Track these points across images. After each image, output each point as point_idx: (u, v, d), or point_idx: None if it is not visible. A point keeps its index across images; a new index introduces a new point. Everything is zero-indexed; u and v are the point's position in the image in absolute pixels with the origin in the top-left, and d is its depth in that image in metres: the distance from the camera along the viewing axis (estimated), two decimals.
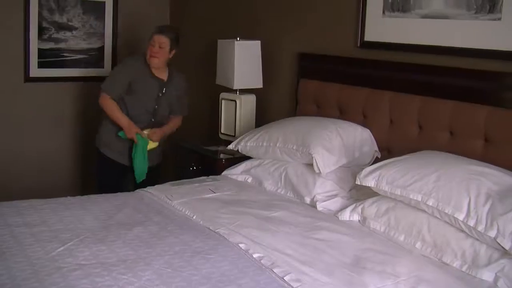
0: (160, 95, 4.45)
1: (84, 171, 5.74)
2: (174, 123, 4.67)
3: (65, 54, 5.55)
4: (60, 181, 5.61)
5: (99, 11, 5.66)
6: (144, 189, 3.79)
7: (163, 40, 4.32)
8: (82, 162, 5.77)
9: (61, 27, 5.50)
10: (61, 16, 5.49)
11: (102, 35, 5.70)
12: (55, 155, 5.61)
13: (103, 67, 5.71)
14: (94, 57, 5.69)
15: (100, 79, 5.57)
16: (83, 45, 5.62)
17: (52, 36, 5.47)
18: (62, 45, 5.52)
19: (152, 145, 4.47)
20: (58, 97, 5.56)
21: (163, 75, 4.48)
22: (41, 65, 5.43)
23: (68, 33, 5.53)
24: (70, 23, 5.54)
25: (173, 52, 4.41)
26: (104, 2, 5.68)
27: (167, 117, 4.59)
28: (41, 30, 5.40)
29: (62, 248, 2.70)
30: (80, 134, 5.73)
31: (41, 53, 5.42)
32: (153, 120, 4.48)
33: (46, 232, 2.90)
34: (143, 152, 4.39)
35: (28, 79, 5.39)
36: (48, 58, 5.46)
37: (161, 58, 4.35)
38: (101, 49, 5.71)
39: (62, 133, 5.65)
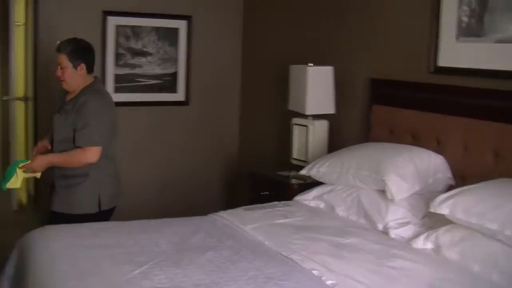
0: (56, 115, 3.84)
1: (161, 195, 5.84)
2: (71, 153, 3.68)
3: (140, 79, 5.68)
4: (139, 204, 5.71)
5: (173, 37, 5.79)
6: (217, 213, 3.83)
7: (61, 59, 3.71)
8: (158, 186, 5.87)
9: (136, 53, 5.65)
10: (137, 42, 5.65)
11: (175, 61, 5.82)
12: (132, 178, 5.73)
13: (176, 92, 5.83)
14: (168, 82, 5.81)
15: (173, 103, 5.76)
16: (157, 70, 5.75)
17: (128, 62, 5.62)
18: (137, 71, 5.67)
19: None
20: (133, 121, 5.69)
21: (70, 96, 3.80)
22: (117, 90, 5.58)
23: (143, 59, 5.68)
24: (145, 49, 5.68)
25: (80, 65, 3.70)
26: (178, 28, 5.80)
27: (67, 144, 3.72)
28: (117, 56, 5.56)
29: (138, 271, 2.76)
30: (156, 157, 5.82)
31: (117, 78, 5.58)
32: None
33: (123, 255, 2.97)
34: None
35: None
36: (123, 83, 5.61)
37: (67, 80, 3.71)
38: (175, 74, 5.83)
39: (140, 156, 5.76)
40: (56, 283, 2.65)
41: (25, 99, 6.15)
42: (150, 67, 5.72)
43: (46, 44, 5.35)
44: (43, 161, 3.62)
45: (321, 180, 4.16)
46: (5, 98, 6.50)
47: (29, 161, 3.70)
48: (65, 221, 3.53)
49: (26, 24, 6.16)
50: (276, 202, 4.10)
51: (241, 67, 6.12)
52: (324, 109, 4.73)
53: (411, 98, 4.20)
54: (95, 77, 3.86)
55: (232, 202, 6.00)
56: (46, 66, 5.34)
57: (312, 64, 4.65)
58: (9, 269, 3.43)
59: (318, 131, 4.74)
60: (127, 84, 5.63)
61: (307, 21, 5.21)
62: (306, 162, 4.61)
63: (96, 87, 3.75)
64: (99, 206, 3.65)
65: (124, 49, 5.60)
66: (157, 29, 5.72)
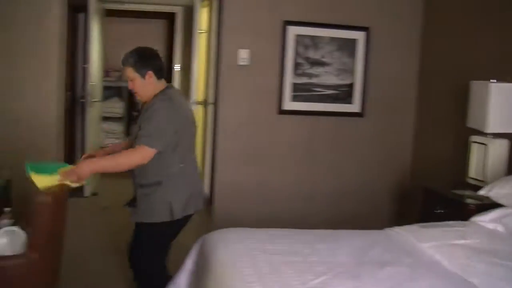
0: (134, 126, 3.73)
1: (331, 203, 5.89)
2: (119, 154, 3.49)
3: (316, 89, 5.75)
4: (310, 211, 5.80)
5: (350, 48, 5.80)
6: (392, 228, 3.79)
7: (128, 71, 3.55)
8: (328, 194, 5.91)
9: (314, 62, 5.72)
10: (315, 52, 5.72)
11: (352, 72, 5.83)
12: (303, 185, 5.81)
13: (351, 103, 5.84)
14: (344, 93, 5.82)
15: (348, 114, 5.76)
16: (334, 81, 5.78)
17: (306, 71, 5.71)
18: (314, 80, 5.73)
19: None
20: (307, 130, 5.77)
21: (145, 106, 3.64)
22: (294, 98, 5.69)
23: (321, 69, 5.74)
24: (323, 59, 5.74)
25: (148, 73, 3.53)
26: (356, 39, 5.81)
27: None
28: (295, 65, 5.67)
29: (317, 281, 2.78)
30: (329, 167, 5.88)
31: (295, 87, 5.69)
32: None
33: (302, 263, 3.01)
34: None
35: (281, 111, 5.67)
36: (300, 92, 5.71)
37: (139, 91, 3.57)
38: (351, 85, 5.84)
39: (312, 164, 5.83)
40: (239, 285, 2.75)
41: (204, 103, 6.40)
42: (327, 77, 5.76)
43: (226, 52, 5.56)
44: (88, 166, 3.32)
45: (500, 202, 3.99)
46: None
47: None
48: (144, 231, 3.56)
49: (208, 31, 6.43)
50: (452, 222, 3.98)
51: (418, 80, 6.02)
52: (506, 128, 4.55)
53: None
54: (168, 84, 3.67)
55: (400, 216, 5.93)
56: (226, 72, 5.55)
57: (495, 81, 4.50)
58: (189, 263, 3.59)
59: (498, 150, 4.55)
60: (304, 93, 5.71)
61: (490, 33, 5.02)
62: (483, 181, 4.45)
63: (166, 93, 3.56)
64: (171, 215, 3.51)
65: (303, 59, 5.69)
66: (335, 40, 5.76)
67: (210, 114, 6.04)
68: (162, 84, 3.58)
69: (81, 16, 6.89)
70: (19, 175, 4.11)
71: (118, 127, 9.53)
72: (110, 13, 8.48)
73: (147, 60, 3.54)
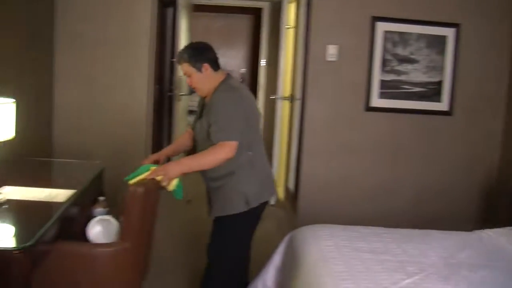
0: (198, 118, 3.68)
1: (415, 202, 5.81)
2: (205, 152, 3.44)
3: (404, 87, 5.67)
4: (396, 210, 5.74)
5: (440, 45, 5.69)
6: (482, 230, 3.72)
7: (184, 68, 3.54)
8: (412, 193, 5.84)
9: (402, 59, 5.64)
10: (404, 49, 5.64)
11: (441, 69, 5.72)
12: (386, 183, 5.76)
13: (440, 101, 5.72)
14: (432, 91, 5.72)
15: (436, 113, 5.66)
16: (423, 78, 5.69)
17: (394, 68, 5.64)
18: (402, 78, 5.66)
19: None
20: (394, 128, 5.70)
21: (208, 100, 3.60)
22: (381, 95, 5.63)
23: (409, 66, 5.65)
24: (412, 56, 5.65)
25: (204, 66, 3.49)
26: (446, 36, 5.70)
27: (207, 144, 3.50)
28: (383, 62, 5.61)
29: (408, 281, 2.76)
30: (414, 165, 5.80)
31: (383, 84, 5.63)
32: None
33: (393, 262, 2.99)
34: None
35: (368, 108, 5.63)
36: (388, 89, 5.64)
37: (198, 86, 3.54)
38: (440, 83, 5.73)
39: (397, 162, 5.76)
40: (330, 282, 2.75)
41: (290, 98, 6.41)
42: (415, 74, 5.68)
43: (314, 47, 5.55)
44: (177, 166, 3.35)
45: None
46: (272, 97, 6.86)
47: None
48: (222, 224, 3.52)
49: (296, 27, 6.43)
50: None
51: (509, 79, 5.85)
52: None
53: None
54: (227, 73, 3.60)
55: (485, 218, 5.79)
56: (314, 67, 5.54)
57: None
58: (277, 259, 3.61)
59: None
60: (392, 91, 5.65)
61: None
62: None
63: (227, 83, 3.51)
64: (247, 204, 3.45)
65: (391, 55, 5.62)
66: (424, 36, 5.66)
67: (296, 109, 6.05)
68: (220, 75, 3.53)
69: (169, 10, 7.00)
70: (111, 166, 4.24)
71: None
72: (197, 8, 8.62)
73: (201, 53, 3.51)
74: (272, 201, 6.62)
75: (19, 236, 2.89)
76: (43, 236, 2.79)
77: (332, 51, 5.52)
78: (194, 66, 3.47)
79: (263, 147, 3.67)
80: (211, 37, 9.63)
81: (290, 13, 6.74)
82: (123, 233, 3.27)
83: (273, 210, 6.47)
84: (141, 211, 3.27)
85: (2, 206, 3.11)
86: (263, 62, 8.44)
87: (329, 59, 5.52)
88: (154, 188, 3.32)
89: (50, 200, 3.26)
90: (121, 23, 5.49)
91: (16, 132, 3.44)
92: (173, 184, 3.34)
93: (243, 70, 9.90)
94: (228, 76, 3.57)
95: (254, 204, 3.45)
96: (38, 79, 5.17)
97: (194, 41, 3.64)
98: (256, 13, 9.43)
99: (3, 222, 3.07)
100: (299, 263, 3.14)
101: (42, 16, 5.19)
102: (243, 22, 9.95)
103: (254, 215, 3.51)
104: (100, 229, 3.38)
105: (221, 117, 3.34)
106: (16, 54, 4.55)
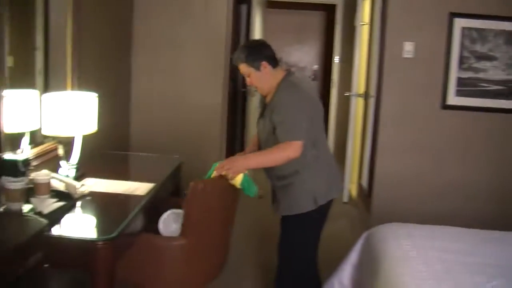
0: (259, 117, 3.63)
1: (495, 202, 5.69)
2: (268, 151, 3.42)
3: (482, 84, 5.55)
4: (473, 210, 5.62)
5: None
6: None
7: (242, 68, 3.47)
8: (489, 192, 5.71)
9: (481, 56, 5.52)
10: (482, 46, 5.52)
11: None
12: (465, 182, 5.65)
13: None
14: (510, 89, 5.58)
15: None
16: (502, 76, 5.54)
17: (472, 66, 5.53)
18: (480, 75, 5.54)
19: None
20: (471, 126, 5.59)
21: (269, 98, 3.54)
22: (458, 93, 5.53)
23: (487, 63, 5.53)
24: (490, 53, 5.53)
25: (262, 64, 3.42)
26: None
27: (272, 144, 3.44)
28: (461, 59, 5.51)
29: (490, 285, 2.70)
30: (492, 165, 5.68)
31: (460, 81, 5.53)
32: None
33: (474, 264, 2.93)
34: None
35: (445, 106, 5.54)
36: (465, 87, 5.54)
37: (258, 85, 3.47)
38: None
39: (473, 161, 5.65)
40: (410, 281, 2.73)
41: (364, 95, 6.38)
42: (494, 72, 5.54)
43: (390, 44, 5.50)
44: (243, 161, 3.34)
45: None
46: (346, 94, 6.83)
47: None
48: (290, 223, 3.47)
49: (371, 23, 6.38)
50: None
51: None
52: None
53: None
54: (287, 70, 3.53)
55: None
56: (390, 64, 5.50)
57: None
58: (353, 256, 3.60)
59: None
60: (469, 88, 5.53)
61: None
62: None
63: (288, 80, 3.43)
64: (316, 202, 3.39)
65: (469, 52, 5.51)
66: (503, 33, 5.51)
67: (370, 106, 6.01)
68: (280, 72, 3.46)
69: (243, 7, 7.05)
70: (186, 161, 4.31)
71: None
72: (270, 4, 8.65)
73: (258, 51, 3.43)
74: (345, 198, 6.61)
75: (102, 227, 2.98)
76: (125, 228, 2.87)
77: (408, 48, 5.45)
78: (252, 66, 3.42)
79: (327, 143, 3.64)
80: (284, 33, 9.65)
81: (365, 10, 6.70)
82: (182, 229, 3.29)
83: (346, 207, 6.45)
84: (201, 208, 3.25)
85: (85, 198, 3.21)
86: (336, 59, 8.41)
87: (406, 56, 5.46)
88: (225, 185, 3.29)
89: (131, 193, 3.34)
90: (197, 21, 5.56)
91: (98, 125, 3.55)
92: (238, 180, 3.29)
93: (315, 66, 9.89)
94: (289, 72, 3.51)
95: (322, 202, 3.42)
96: (118, 77, 5.30)
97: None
98: (328, 9, 9.41)
99: (87, 213, 3.17)
100: (378, 262, 3.12)
101: (123, 17, 5.37)
102: (316, 19, 9.93)
103: (322, 213, 3.48)
104: (170, 222, 3.44)
105: (285, 117, 3.29)
106: (101, 53, 4.70)
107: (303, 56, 9.78)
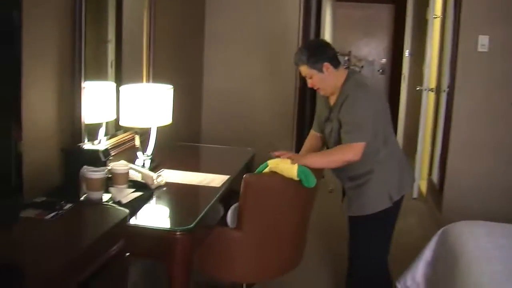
0: (324, 121, 3.53)
1: None
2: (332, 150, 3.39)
3: None
4: None
5: None
6: None
7: (303, 70, 3.36)
8: None
9: None
10: None
11: None
12: None
13: None
14: None
15: None
16: None
17: None
18: None
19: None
20: None
21: (333, 99, 3.45)
22: None
23: None
24: None
25: (324, 65, 3.32)
26: None
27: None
28: None
29: None
30: None
31: None
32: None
33: None
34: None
35: None
36: None
37: (321, 86, 3.38)
38: None
39: None
40: (487, 282, 2.67)
41: (436, 90, 6.28)
42: None
43: (464, 38, 5.39)
44: (303, 158, 3.26)
45: None
46: (418, 88, 6.74)
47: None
48: (364, 223, 3.40)
49: (443, 17, 6.27)
50: None
51: None
52: None
53: None
54: (347, 68, 3.46)
55: None
56: (464, 59, 5.39)
57: None
58: (427, 253, 3.55)
59: None
60: None
61: None
62: None
63: (352, 79, 3.35)
64: (391, 199, 3.33)
65: None
66: None
67: (442, 101, 5.91)
68: (342, 72, 3.38)
69: (313, 0, 7.02)
70: (258, 154, 4.33)
71: None
72: None
73: (320, 52, 3.34)
74: (415, 194, 6.52)
75: (180, 218, 3.02)
76: (203, 220, 2.89)
77: (483, 41, 5.33)
78: (314, 68, 3.32)
79: (396, 138, 3.60)
80: (352, 27, 9.59)
81: (436, 3, 6.59)
82: (236, 222, 3.26)
83: (415, 203, 6.37)
84: (256, 202, 3.19)
85: (161, 188, 3.26)
86: (407, 53, 8.29)
87: (480, 50, 5.33)
88: (286, 181, 3.17)
89: (206, 185, 3.37)
90: (268, 15, 5.59)
91: (172, 117, 3.59)
92: (294, 171, 3.13)
93: (383, 60, 9.79)
94: (351, 71, 3.44)
95: (397, 197, 3.38)
96: (190, 70, 5.40)
97: (311, 39, 3.55)
98: (397, 3, 9.30)
99: (164, 204, 3.22)
100: (455, 260, 3.05)
101: (196, 12, 5.49)
102: (384, 12, 9.83)
103: (396, 208, 3.43)
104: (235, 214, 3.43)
105: (352, 117, 3.23)
106: (174, 46, 4.80)
107: (371, 50, 9.70)
